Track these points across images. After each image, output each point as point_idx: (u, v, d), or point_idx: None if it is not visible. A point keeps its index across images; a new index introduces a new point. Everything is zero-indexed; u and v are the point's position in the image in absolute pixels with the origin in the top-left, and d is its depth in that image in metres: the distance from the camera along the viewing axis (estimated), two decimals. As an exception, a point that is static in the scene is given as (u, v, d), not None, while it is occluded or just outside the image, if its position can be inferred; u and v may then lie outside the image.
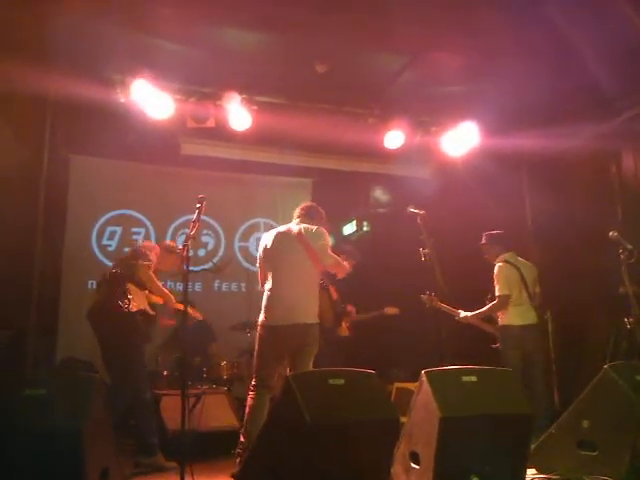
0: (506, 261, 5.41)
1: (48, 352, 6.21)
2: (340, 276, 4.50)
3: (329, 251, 4.22)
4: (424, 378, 3.09)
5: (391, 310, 6.12)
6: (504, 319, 5.29)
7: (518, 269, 5.37)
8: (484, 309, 5.33)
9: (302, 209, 4.57)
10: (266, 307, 4.21)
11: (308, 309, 4.14)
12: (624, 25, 5.02)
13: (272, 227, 7.61)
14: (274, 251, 4.28)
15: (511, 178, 6.99)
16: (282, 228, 4.46)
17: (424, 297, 5.13)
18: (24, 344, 5.95)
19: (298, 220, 4.45)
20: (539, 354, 5.33)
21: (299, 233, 4.26)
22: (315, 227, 4.32)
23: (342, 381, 2.87)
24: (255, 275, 6.99)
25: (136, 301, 4.53)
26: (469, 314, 5.37)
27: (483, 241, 5.61)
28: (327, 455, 2.71)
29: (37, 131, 6.26)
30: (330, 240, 4.32)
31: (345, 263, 4.44)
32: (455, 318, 5.40)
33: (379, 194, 8.18)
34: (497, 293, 5.29)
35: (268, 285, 4.27)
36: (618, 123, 6.11)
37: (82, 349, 6.10)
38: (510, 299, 5.25)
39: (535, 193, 7.27)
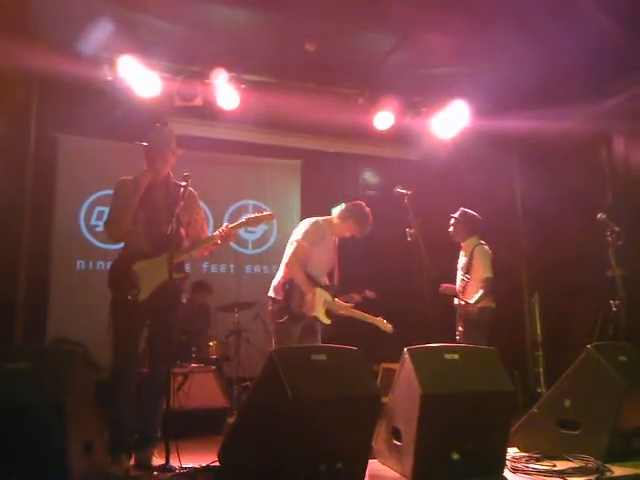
0: (482, 243, 5.24)
1: (38, 333, 6.19)
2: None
3: (293, 252, 4.32)
4: (406, 355, 3.09)
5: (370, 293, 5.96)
6: (482, 301, 5.07)
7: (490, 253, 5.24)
8: (481, 295, 5.06)
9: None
10: None
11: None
12: (614, 8, 5.00)
13: (261, 209, 7.61)
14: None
15: (501, 160, 6.99)
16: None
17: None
18: (14, 325, 5.95)
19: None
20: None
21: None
22: (307, 222, 4.45)
23: (324, 357, 2.87)
24: (243, 257, 7.04)
25: None
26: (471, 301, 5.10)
27: (458, 215, 5.33)
28: (309, 431, 2.71)
29: (24, 111, 6.22)
30: (305, 239, 4.32)
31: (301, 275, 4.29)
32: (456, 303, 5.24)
33: (368, 176, 8.17)
34: (485, 275, 5.10)
35: None
36: (609, 106, 6.11)
37: (72, 329, 6.10)
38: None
39: (525, 175, 7.29)
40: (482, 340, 4.89)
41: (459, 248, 5.39)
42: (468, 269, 5.19)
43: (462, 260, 5.32)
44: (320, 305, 4.33)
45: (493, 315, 5.16)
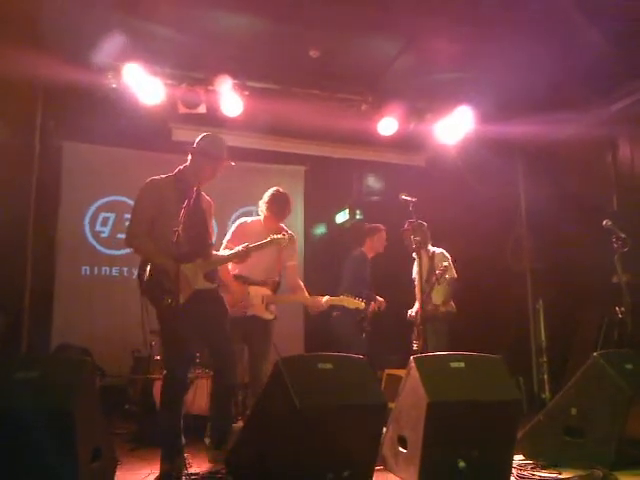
0: (438, 248, 5.43)
1: (43, 338, 6.20)
2: None
3: None
4: (413, 363, 3.11)
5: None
6: (447, 305, 5.30)
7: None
8: (449, 294, 5.32)
9: None
10: None
11: None
12: (621, 12, 5.00)
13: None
14: None
15: (506, 165, 6.99)
16: None
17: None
18: (19, 331, 5.96)
19: None
20: None
21: None
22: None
23: (331, 365, 2.88)
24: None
25: None
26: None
27: (414, 227, 5.01)
28: (316, 439, 2.72)
29: (29, 118, 6.24)
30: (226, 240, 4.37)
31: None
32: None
33: (372, 182, 8.16)
34: (454, 276, 5.31)
35: None
36: (614, 111, 6.10)
37: (77, 334, 6.10)
38: None
39: (530, 181, 7.28)
40: (444, 345, 4.96)
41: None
42: (432, 274, 5.20)
43: (420, 267, 5.22)
44: (259, 302, 4.24)
45: (454, 319, 5.30)
